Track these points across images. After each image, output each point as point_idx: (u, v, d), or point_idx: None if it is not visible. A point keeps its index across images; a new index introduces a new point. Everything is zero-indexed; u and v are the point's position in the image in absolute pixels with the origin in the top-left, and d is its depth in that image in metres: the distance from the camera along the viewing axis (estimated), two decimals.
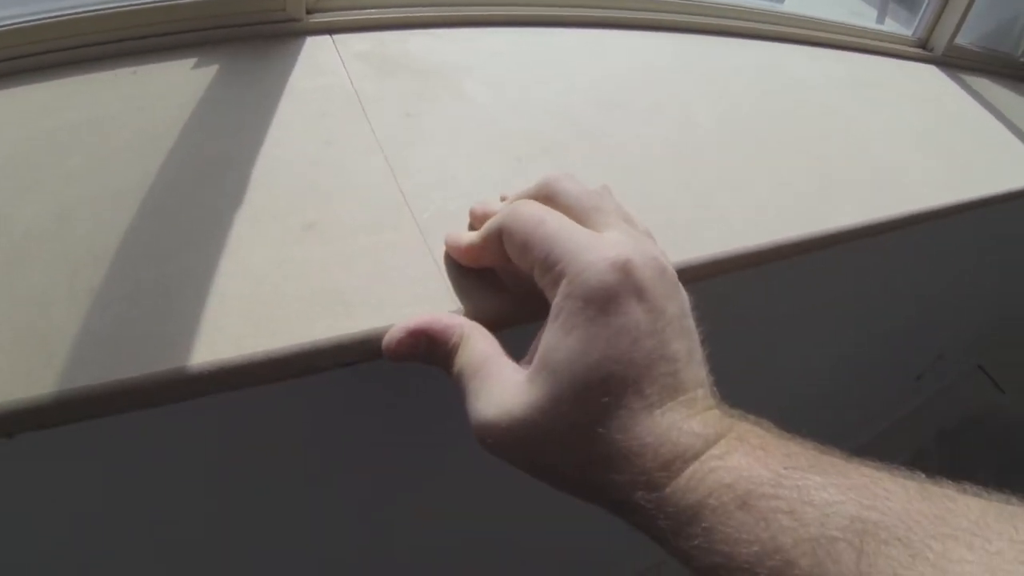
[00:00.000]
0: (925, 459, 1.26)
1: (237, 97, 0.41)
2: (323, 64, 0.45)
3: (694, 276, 0.41)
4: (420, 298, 0.32)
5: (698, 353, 0.28)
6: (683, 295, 0.29)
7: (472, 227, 0.36)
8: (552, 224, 0.28)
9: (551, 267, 0.27)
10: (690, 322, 0.28)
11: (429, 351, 0.30)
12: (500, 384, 0.27)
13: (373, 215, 0.35)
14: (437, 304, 0.32)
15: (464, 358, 0.29)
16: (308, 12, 0.47)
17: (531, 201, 0.30)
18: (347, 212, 0.35)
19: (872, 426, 1.25)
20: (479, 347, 0.29)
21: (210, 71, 0.43)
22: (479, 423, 0.27)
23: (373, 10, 0.49)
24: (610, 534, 0.39)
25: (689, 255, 0.40)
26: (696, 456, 0.24)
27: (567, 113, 0.47)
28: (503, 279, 0.33)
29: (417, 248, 0.34)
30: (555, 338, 0.26)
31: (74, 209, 0.34)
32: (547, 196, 0.30)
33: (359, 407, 0.37)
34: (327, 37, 0.47)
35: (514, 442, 0.26)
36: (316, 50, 0.46)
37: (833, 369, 0.97)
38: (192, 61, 0.43)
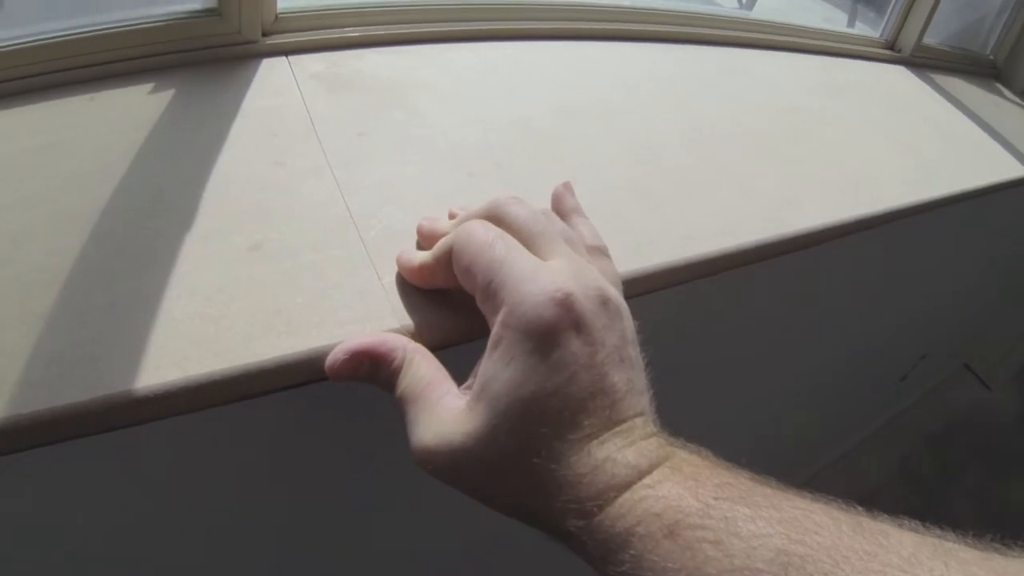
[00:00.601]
0: (912, 463, 1.27)
1: (191, 120, 0.43)
2: (277, 85, 0.46)
3: (662, 283, 0.43)
4: (364, 316, 0.34)
5: (639, 382, 0.29)
6: (626, 323, 0.29)
7: (420, 245, 0.37)
8: (499, 249, 0.28)
9: (492, 295, 0.28)
10: (632, 350, 0.29)
11: (371, 372, 0.31)
12: (439, 411, 0.28)
13: (319, 234, 0.37)
14: (381, 322, 0.33)
15: (406, 382, 0.30)
16: (264, 34, 0.49)
17: (482, 222, 0.30)
18: (293, 231, 0.37)
19: (858, 430, 1.26)
20: (421, 371, 0.30)
21: (166, 95, 0.44)
22: (418, 449, 0.28)
23: (330, 30, 0.50)
24: None
25: (651, 262, 0.41)
26: (628, 485, 0.25)
27: (524, 125, 0.49)
28: (457, 298, 0.35)
29: (362, 265, 0.36)
30: (493, 368, 0.27)
31: (27, 234, 0.36)
32: (495, 218, 0.31)
33: (308, 428, 0.39)
34: (283, 59, 0.49)
35: (452, 469, 0.28)
36: (271, 72, 0.47)
37: (814, 374, 0.98)
38: (149, 86, 0.45)
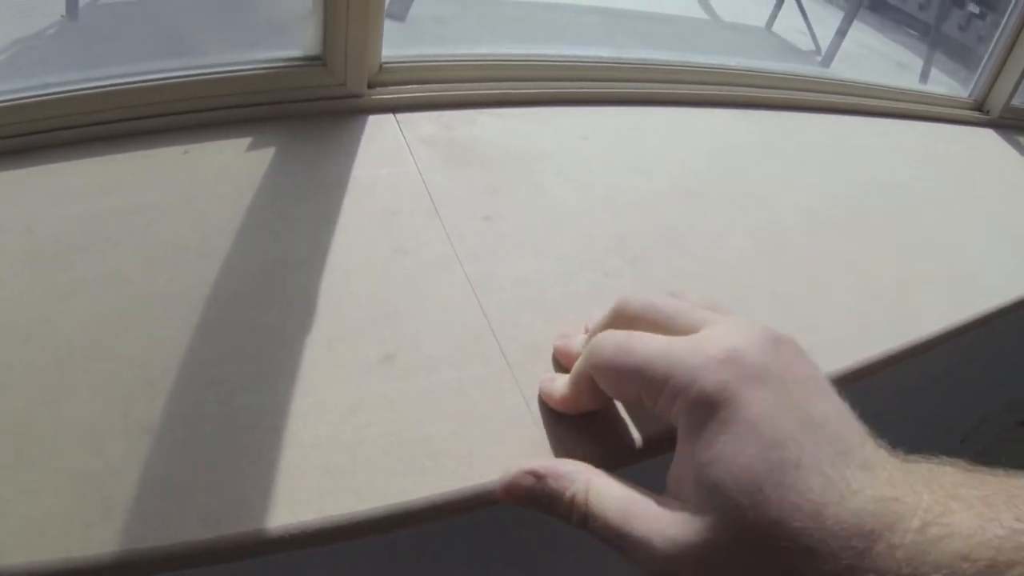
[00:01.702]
0: None
1: (297, 187, 0.40)
2: (388, 150, 0.44)
3: None
4: (513, 449, 0.31)
5: (843, 405, 0.27)
6: (805, 356, 0.28)
7: (556, 361, 0.35)
8: (640, 349, 0.27)
9: (659, 391, 0.27)
10: (823, 381, 0.28)
11: (551, 500, 0.28)
12: (661, 521, 0.26)
13: (456, 345, 0.34)
14: (532, 454, 0.31)
15: (603, 506, 0.27)
16: (369, 86, 0.46)
17: (610, 332, 0.29)
18: (428, 340, 0.34)
19: None
20: (615, 492, 0.28)
21: (266, 153, 0.42)
22: (662, 560, 0.26)
23: (438, 85, 0.48)
24: None
25: None
26: (906, 526, 0.23)
27: (651, 211, 0.47)
28: (608, 418, 0.33)
29: (508, 387, 0.33)
30: (701, 456, 0.25)
31: (123, 317, 0.33)
32: (627, 320, 0.30)
33: (446, 557, 0.36)
34: (390, 116, 0.46)
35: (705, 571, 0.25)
36: (379, 131, 0.45)
37: (874, 434, 0.97)
38: (247, 141, 0.42)
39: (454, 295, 0.37)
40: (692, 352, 0.26)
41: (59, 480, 0.27)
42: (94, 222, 0.37)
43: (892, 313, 0.47)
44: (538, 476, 0.29)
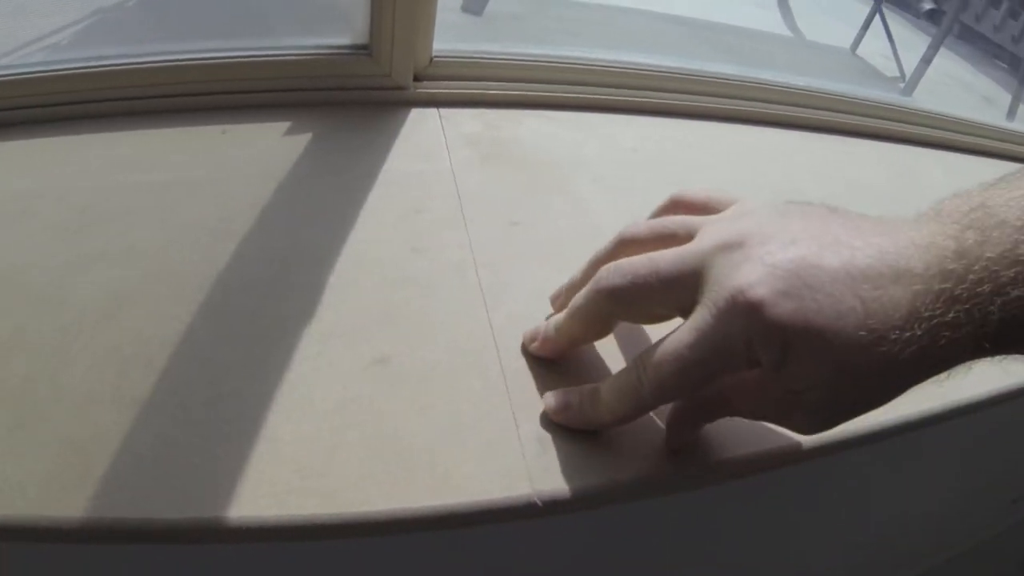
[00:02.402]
0: None
1: (327, 176, 0.41)
2: (426, 145, 0.44)
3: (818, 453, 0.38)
4: (493, 473, 0.30)
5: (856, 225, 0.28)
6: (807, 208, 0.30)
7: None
8: (655, 258, 0.29)
9: (685, 284, 0.28)
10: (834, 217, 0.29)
11: None
12: None
13: (455, 353, 0.34)
14: (511, 485, 0.30)
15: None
16: (416, 79, 0.46)
17: (621, 259, 0.31)
18: (426, 346, 0.34)
19: (954, 546, 1.17)
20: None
21: (303, 140, 0.43)
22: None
23: (487, 83, 0.48)
24: None
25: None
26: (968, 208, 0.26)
27: None
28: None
29: (499, 403, 0.32)
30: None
31: (131, 295, 0.34)
32: (628, 244, 0.32)
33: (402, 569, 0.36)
34: (434, 111, 0.46)
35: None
36: (420, 125, 0.45)
37: (925, 490, 0.91)
38: (285, 125, 0.43)
39: (463, 302, 0.36)
40: (702, 245, 0.28)
41: (47, 444, 0.29)
42: (123, 195, 0.39)
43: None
44: None
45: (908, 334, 0.25)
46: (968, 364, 0.27)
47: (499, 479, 0.30)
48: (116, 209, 0.38)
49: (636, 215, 0.44)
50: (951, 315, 0.25)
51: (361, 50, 0.45)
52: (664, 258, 0.29)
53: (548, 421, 0.32)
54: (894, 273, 0.26)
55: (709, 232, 0.29)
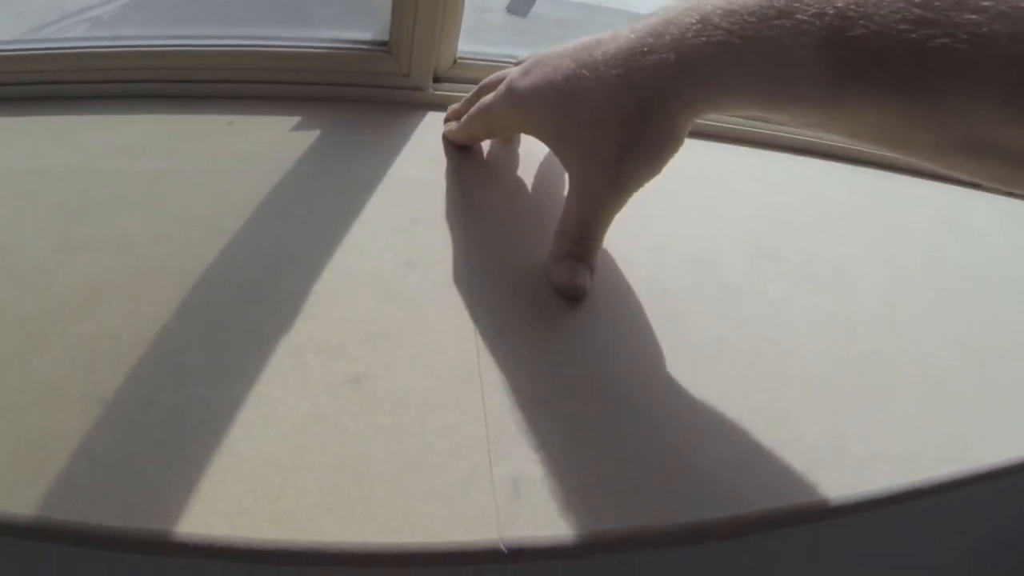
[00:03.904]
0: None
1: (329, 178, 0.41)
2: (437, 151, 0.44)
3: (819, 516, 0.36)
4: (458, 516, 0.30)
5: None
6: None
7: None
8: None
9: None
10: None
11: None
12: None
13: (435, 381, 0.33)
14: (477, 534, 0.29)
15: None
16: (436, 80, 0.46)
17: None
18: (405, 367, 0.34)
19: None
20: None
21: (309, 136, 0.43)
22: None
23: None
24: None
25: (808, 498, 0.35)
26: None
27: (709, 266, 0.43)
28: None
29: (476, 440, 0.32)
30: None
31: (114, 285, 0.35)
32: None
33: None
34: None
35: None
36: (434, 130, 0.45)
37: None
38: (294, 120, 0.44)
39: (450, 323, 0.36)
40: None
41: (7, 435, 0.30)
42: (121, 182, 0.40)
43: (965, 431, 0.41)
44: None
45: (604, 67, 0.35)
46: (696, 108, 0.34)
47: (464, 522, 0.30)
48: (112, 196, 0.39)
49: (646, 241, 0.43)
50: (649, 46, 0.33)
51: (380, 47, 0.45)
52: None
53: (528, 464, 0.32)
54: (614, 36, 0.36)
55: None
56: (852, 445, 0.38)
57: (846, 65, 0.27)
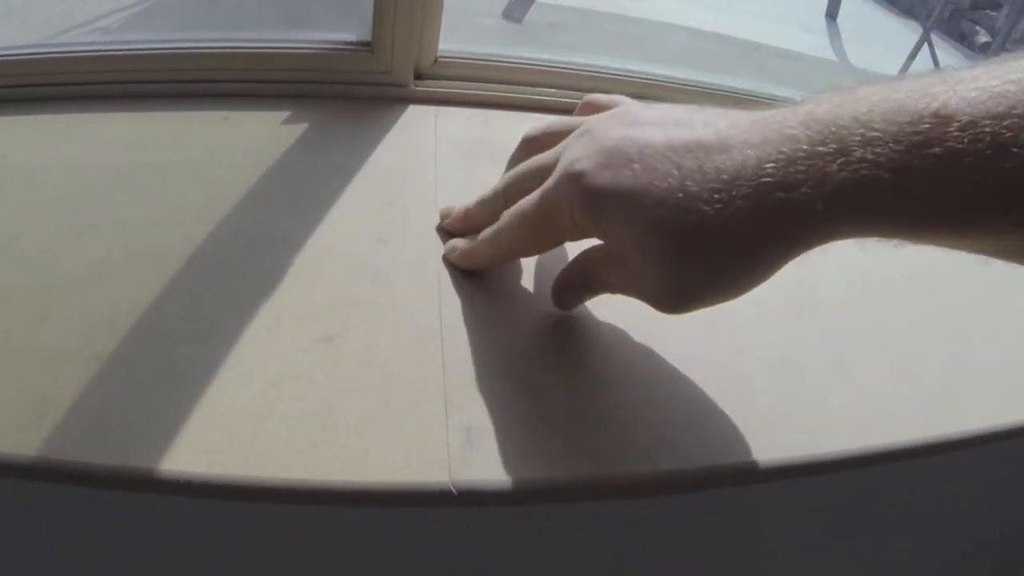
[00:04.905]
0: None
1: (314, 166, 0.46)
2: (416, 142, 0.48)
3: (786, 475, 0.39)
4: (413, 459, 0.34)
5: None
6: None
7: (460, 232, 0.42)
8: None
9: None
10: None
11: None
12: None
13: (400, 341, 0.38)
14: (427, 475, 0.33)
15: None
16: (417, 77, 0.51)
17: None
18: (373, 331, 0.38)
19: None
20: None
21: (297, 129, 0.48)
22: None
23: (488, 84, 0.52)
24: None
25: (771, 455, 0.38)
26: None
27: None
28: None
29: (434, 396, 0.36)
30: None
31: (114, 263, 0.40)
32: (532, 143, 0.40)
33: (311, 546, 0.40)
34: (431, 109, 0.51)
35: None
36: (414, 123, 0.50)
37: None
38: (284, 115, 0.49)
39: (418, 294, 0.40)
40: (568, 139, 0.35)
41: (12, 389, 0.34)
42: (124, 173, 0.45)
43: (928, 403, 0.44)
44: None
45: (727, 195, 0.28)
46: (820, 245, 0.30)
47: (419, 465, 0.34)
48: (113, 186, 0.44)
49: None
50: (782, 175, 0.27)
51: (363, 47, 0.50)
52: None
53: (481, 416, 0.36)
54: (723, 144, 0.29)
55: (582, 126, 0.35)
56: (807, 412, 0.41)
57: (1000, 193, 0.26)
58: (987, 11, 4.79)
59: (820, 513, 0.51)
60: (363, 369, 0.36)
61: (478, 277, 0.42)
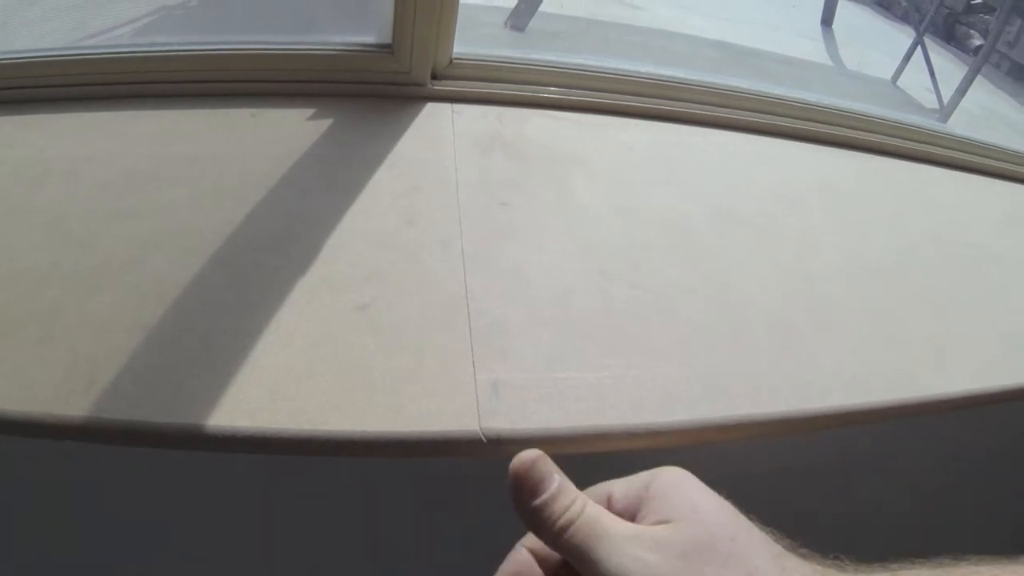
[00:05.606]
0: None
1: (338, 156, 0.50)
2: (435, 136, 0.52)
3: (774, 431, 0.43)
4: (445, 414, 0.37)
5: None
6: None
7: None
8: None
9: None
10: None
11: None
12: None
13: (429, 309, 0.41)
14: (460, 423, 0.37)
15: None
16: (434, 77, 0.55)
17: None
18: (404, 301, 0.41)
19: None
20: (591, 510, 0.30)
21: (323, 124, 0.52)
22: None
23: (500, 84, 0.56)
24: None
25: (762, 410, 0.42)
26: None
27: (676, 224, 0.51)
28: None
29: (462, 358, 0.39)
30: None
31: (157, 244, 0.43)
32: None
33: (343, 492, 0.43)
34: (448, 106, 0.55)
35: None
36: (432, 119, 0.54)
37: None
38: (309, 112, 0.53)
39: (445, 267, 0.43)
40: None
41: (66, 356, 0.37)
42: (161, 163, 0.49)
43: (915, 364, 0.47)
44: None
45: None
46: None
47: (450, 416, 0.37)
48: (153, 174, 0.48)
49: (622, 208, 0.51)
50: None
51: (384, 49, 0.54)
52: None
53: (508, 373, 0.39)
54: None
55: None
56: (803, 371, 0.44)
57: None
58: (981, 15, 4.87)
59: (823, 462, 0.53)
60: (396, 333, 0.40)
61: (501, 251, 0.45)
